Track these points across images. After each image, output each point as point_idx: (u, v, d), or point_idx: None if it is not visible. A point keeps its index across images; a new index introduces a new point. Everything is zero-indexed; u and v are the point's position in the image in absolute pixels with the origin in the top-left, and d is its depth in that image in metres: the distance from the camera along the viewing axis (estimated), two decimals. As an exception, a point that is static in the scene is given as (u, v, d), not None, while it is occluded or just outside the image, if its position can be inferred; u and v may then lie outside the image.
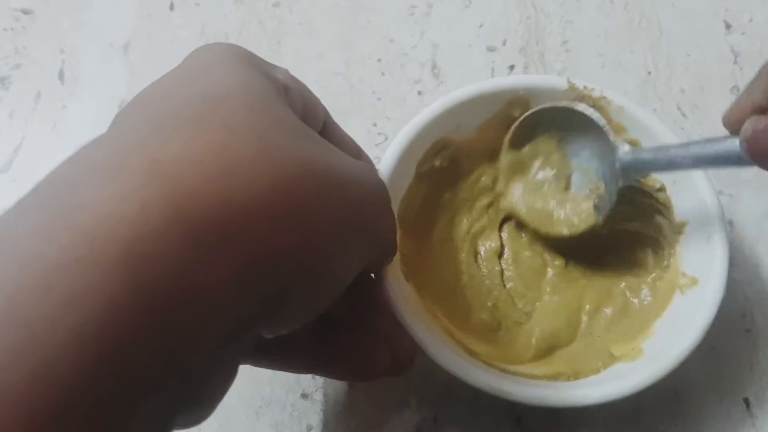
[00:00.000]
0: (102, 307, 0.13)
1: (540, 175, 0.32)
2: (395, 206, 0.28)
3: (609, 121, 0.30)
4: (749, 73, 0.39)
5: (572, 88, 0.30)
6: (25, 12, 0.42)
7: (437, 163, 0.31)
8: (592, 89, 0.30)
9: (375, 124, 0.37)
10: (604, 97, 0.30)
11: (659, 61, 0.39)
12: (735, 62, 0.39)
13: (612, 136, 0.29)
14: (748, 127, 0.22)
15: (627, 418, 0.29)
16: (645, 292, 0.30)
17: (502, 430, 0.29)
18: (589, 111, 0.29)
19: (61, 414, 0.13)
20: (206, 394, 0.18)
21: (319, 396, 0.30)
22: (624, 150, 0.28)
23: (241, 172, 0.16)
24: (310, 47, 0.40)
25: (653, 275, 0.30)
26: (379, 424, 0.30)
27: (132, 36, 0.41)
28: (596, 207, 0.30)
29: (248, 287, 0.16)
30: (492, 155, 0.33)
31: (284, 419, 0.30)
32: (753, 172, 0.28)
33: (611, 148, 0.29)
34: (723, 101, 0.38)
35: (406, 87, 0.39)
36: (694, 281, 0.28)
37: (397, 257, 0.26)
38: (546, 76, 0.32)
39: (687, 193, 0.29)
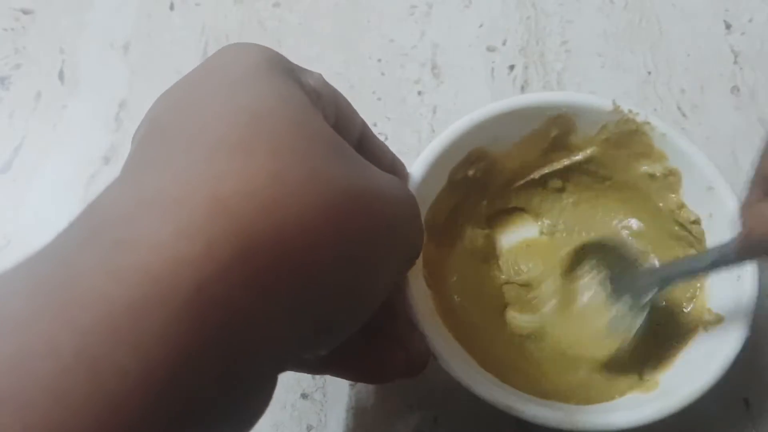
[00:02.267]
0: (169, 353, 0.13)
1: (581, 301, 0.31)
2: (423, 211, 0.28)
3: (651, 147, 0.30)
4: (749, 73, 0.39)
5: (617, 110, 0.30)
6: (26, 12, 0.42)
7: (470, 173, 0.30)
8: (637, 114, 0.30)
9: (375, 124, 0.37)
10: (648, 123, 0.30)
11: (659, 61, 0.39)
12: (735, 62, 0.39)
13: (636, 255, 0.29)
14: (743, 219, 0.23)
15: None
16: (670, 322, 0.30)
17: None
18: (633, 251, 0.30)
19: None
20: (250, 415, 0.18)
21: (319, 396, 0.30)
22: (647, 266, 0.29)
23: (293, 206, 0.16)
24: (310, 47, 0.40)
25: (680, 307, 0.30)
26: (380, 425, 0.30)
27: (132, 36, 0.41)
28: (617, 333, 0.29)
29: (301, 319, 0.16)
30: (525, 172, 0.32)
31: (284, 419, 0.30)
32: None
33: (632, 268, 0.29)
34: (723, 101, 0.38)
35: (406, 87, 0.39)
36: (719, 319, 0.27)
37: (420, 262, 0.26)
38: (590, 96, 0.31)
39: (722, 228, 0.28)
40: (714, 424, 0.29)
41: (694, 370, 0.26)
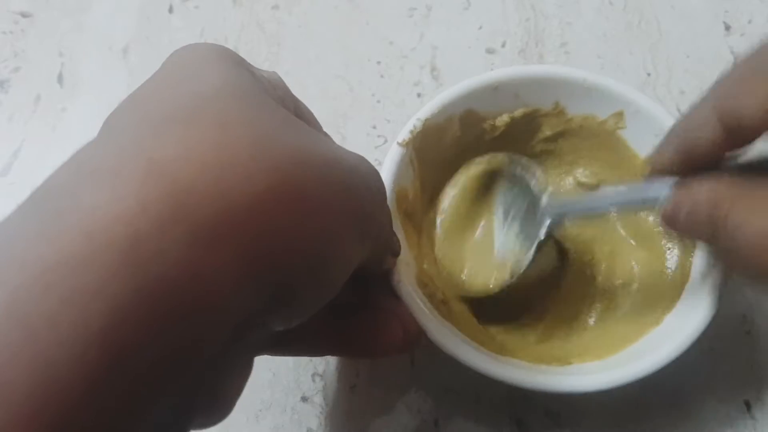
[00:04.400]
0: (104, 305, 0.13)
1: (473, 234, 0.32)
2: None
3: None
4: (748, 74, 0.39)
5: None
6: (24, 15, 0.42)
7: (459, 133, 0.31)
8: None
9: (374, 127, 0.37)
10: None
11: (659, 62, 0.39)
12: (734, 63, 0.39)
13: (536, 187, 0.29)
14: (671, 197, 0.24)
15: (627, 419, 0.29)
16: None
17: (503, 433, 0.29)
18: (519, 171, 0.30)
19: (64, 413, 0.13)
20: (221, 392, 0.18)
21: (318, 399, 0.30)
22: (547, 195, 0.28)
23: (238, 167, 0.16)
24: (310, 50, 0.40)
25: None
26: (379, 428, 0.30)
27: (131, 39, 0.41)
28: (513, 265, 0.30)
29: (252, 281, 0.16)
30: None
31: (284, 422, 0.30)
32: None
33: (536, 201, 0.29)
34: (722, 102, 0.38)
35: (405, 89, 0.39)
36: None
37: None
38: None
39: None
40: (714, 424, 0.29)
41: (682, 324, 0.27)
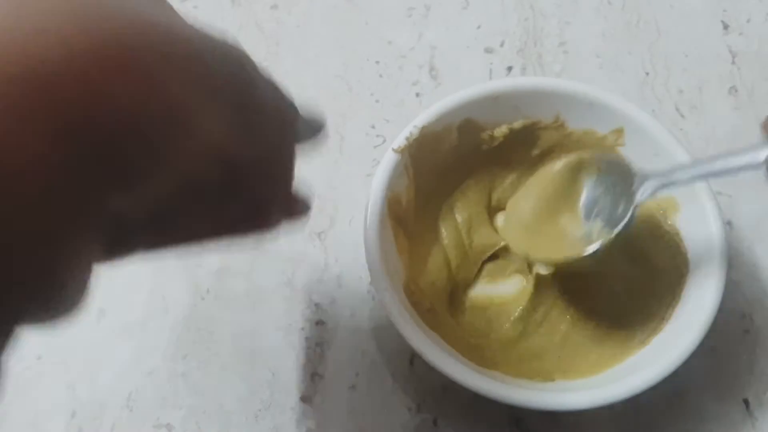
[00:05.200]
0: None
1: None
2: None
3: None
4: (747, 73, 0.39)
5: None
6: (23, 15, 0.42)
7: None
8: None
9: (373, 126, 0.37)
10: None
11: (657, 61, 0.39)
12: (733, 62, 0.39)
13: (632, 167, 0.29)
14: None
15: (627, 418, 0.29)
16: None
17: (502, 432, 0.29)
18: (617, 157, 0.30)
19: None
20: (52, 280, 0.17)
21: (318, 399, 0.30)
22: (649, 173, 0.28)
23: (52, 27, 0.15)
24: (308, 49, 0.40)
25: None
26: (379, 427, 0.30)
27: (130, 39, 0.40)
28: (606, 224, 0.29)
29: (67, 142, 0.15)
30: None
31: (284, 423, 0.30)
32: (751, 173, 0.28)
33: (628, 175, 0.29)
34: (721, 101, 0.38)
35: (404, 89, 0.39)
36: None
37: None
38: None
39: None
40: (714, 424, 0.29)
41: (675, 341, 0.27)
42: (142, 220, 0.19)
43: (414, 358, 0.31)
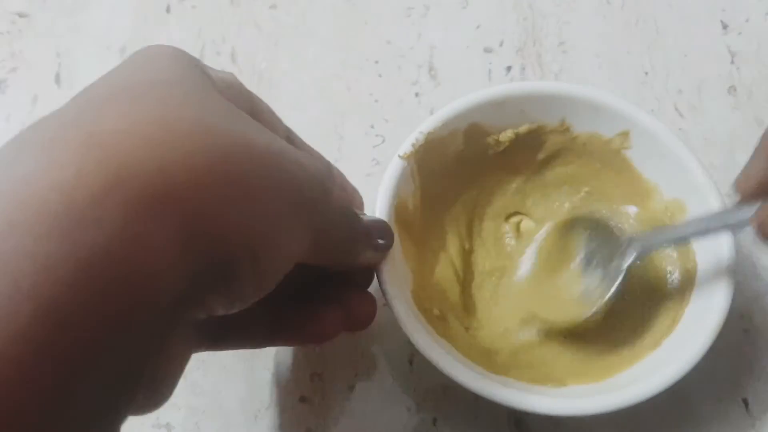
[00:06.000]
0: (33, 265, 0.13)
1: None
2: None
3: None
4: (746, 72, 0.39)
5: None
6: (21, 15, 0.42)
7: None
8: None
9: (372, 126, 0.37)
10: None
11: (656, 61, 0.39)
12: (732, 62, 0.39)
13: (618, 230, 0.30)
14: (761, 213, 0.24)
15: (626, 418, 0.29)
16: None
17: (502, 432, 0.29)
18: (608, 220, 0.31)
19: None
20: (154, 375, 0.18)
21: (317, 399, 0.30)
22: (632, 238, 0.29)
23: (178, 144, 0.16)
24: (307, 49, 0.40)
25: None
26: (378, 427, 0.30)
27: (128, 39, 0.40)
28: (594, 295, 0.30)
29: (189, 255, 0.16)
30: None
31: (283, 423, 0.30)
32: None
33: (617, 244, 0.29)
34: (720, 101, 0.38)
35: (403, 89, 0.39)
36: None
37: (395, 250, 0.26)
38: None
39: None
40: (714, 424, 0.30)
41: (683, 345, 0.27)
42: (229, 323, 0.21)
43: (414, 358, 0.31)
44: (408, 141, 0.29)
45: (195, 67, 0.19)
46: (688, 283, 0.29)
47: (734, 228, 0.27)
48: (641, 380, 0.26)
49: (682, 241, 0.29)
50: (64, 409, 0.14)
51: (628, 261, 0.28)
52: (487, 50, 0.40)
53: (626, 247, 0.29)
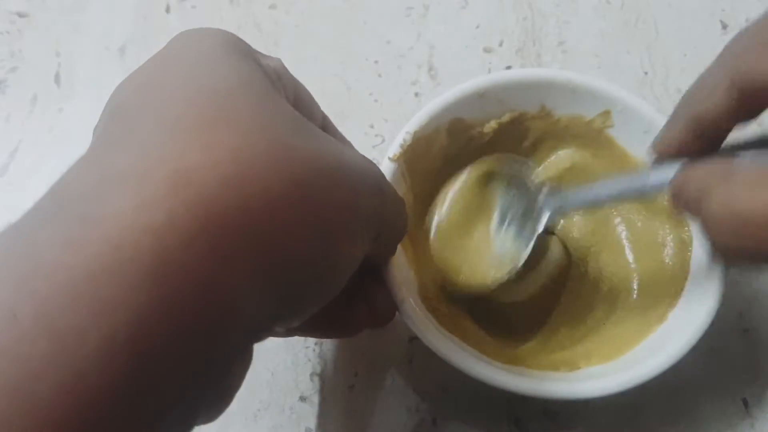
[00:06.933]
0: (129, 317, 0.13)
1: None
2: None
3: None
4: (746, 72, 0.39)
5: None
6: (21, 15, 0.42)
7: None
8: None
9: (372, 126, 0.37)
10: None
11: (656, 61, 0.39)
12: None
13: (533, 184, 0.29)
14: (678, 176, 0.24)
15: (625, 418, 0.29)
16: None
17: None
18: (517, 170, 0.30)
19: (91, 424, 0.13)
20: (226, 388, 0.19)
21: (317, 399, 0.30)
22: (545, 191, 0.29)
23: (255, 175, 0.16)
24: (307, 49, 0.40)
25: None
26: (378, 427, 0.30)
27: (128, 39, 0.40)
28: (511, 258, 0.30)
29: (266, 291, 0.16)
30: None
31: (283, 422, 0.30)
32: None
33: (533, 203, 0.29)
34: (720, 101, 0.38)
35: (403, 88, 0.39)
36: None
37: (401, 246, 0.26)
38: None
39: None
40: (712, 423, 0.30)
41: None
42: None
43: (413, 357, 0.31)
44: (396, 142, 0.29)
45: (251, 61, 0.19)
46: (685, 255, 0.29)
47: (650, 192, 0.26)
48: (654, 354, 0.26)
49: (597, 203, 0.29)
50: None
51: (543, 222, 0.28)
52: (487, 50, 0.40)
53: (541, 206, 0.28)
